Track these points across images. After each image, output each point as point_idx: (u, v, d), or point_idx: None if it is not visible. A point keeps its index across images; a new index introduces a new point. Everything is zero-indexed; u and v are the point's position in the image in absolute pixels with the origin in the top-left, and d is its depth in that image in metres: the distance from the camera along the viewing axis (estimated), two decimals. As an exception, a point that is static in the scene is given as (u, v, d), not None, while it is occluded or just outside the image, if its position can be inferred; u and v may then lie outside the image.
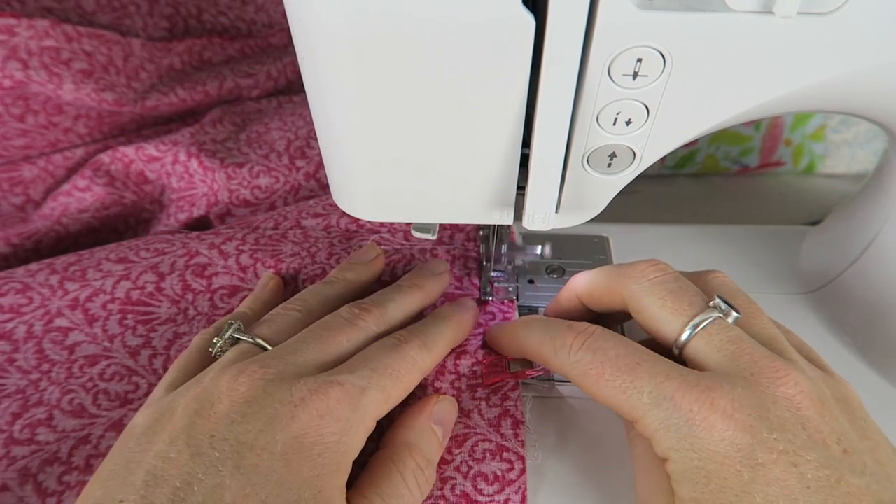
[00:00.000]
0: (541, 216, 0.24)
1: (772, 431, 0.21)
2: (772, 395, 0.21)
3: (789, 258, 0.41)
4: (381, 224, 0.39)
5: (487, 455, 0.28)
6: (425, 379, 0.30)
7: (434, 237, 0.29)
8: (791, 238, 0.42)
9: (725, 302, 0.24)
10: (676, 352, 0.24)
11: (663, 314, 0.25)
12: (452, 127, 0.23)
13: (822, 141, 0.52)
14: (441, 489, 0.27)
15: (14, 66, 0.37)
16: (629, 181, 0.25)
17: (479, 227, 0.37)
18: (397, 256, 0.37)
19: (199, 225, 0.43)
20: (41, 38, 0.38)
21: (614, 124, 0.22)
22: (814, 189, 0.53)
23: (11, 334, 0.32)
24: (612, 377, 0.23)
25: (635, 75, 0.20)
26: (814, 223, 0.42)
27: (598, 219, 0.27)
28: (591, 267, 0.39)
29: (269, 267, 0.35)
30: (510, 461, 0.28)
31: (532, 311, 0.35)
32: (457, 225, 0.39)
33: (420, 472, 0.25)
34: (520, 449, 0.28)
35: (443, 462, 0.28)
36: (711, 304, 0.24)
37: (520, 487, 0.27)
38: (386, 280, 0.35)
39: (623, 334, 0.34)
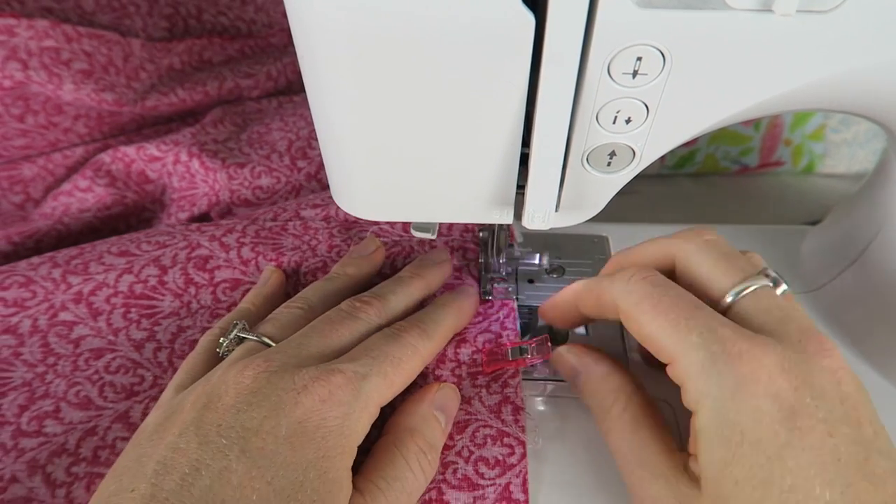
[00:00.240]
0: (540, 215, 0.24)
1: (814, 398, 0.21)
2: (818, 364, 0.22)
3: (789, 258, 0.41)
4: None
5: (488, 440, 0.28)
6: (426, 367, 0.31)
7: (434, 237, 0.29)
8: (791, 238, 0.42)
9: (776, 273, 0.25)
10: (722, 310, 0.25)
11: (715, 273, 0.25)
12: (452, 126, 0.23)
13: (821, 141, 0.52)
14: (443, 473, 0.27)
15: (14, 66, 0.37)
16: (629, 180, 0.25)
17: (478, 225, 0.37)
18: (396, 248, 0.37)
19: (200, 225, 0.43)
20: (41, 39, 0.38)
21: (614, 123, 0.22)
22: (813, 189, 0.53)
23: (17, 328, 0.32)
24: (668, 310, 0.23)
25: (635, 74, 0.20)
26: (813, 223, 0.42)
27: (598, 218, 0.27)
28: (590, 266, 0.39)
29: (271, 260, 0.36)
30: (511, 446, 0.28)
31: (532, 311, 0.35)
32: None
33: (423, 456, 0.25)
34: (520, 434, 0.29)
35: (445, 447, 0.28)
36: (762, 272, 0.25)
37: (521, 471, 0.27)
38: (386, 273, 0.35)
39: (622, 336, 0.34)
